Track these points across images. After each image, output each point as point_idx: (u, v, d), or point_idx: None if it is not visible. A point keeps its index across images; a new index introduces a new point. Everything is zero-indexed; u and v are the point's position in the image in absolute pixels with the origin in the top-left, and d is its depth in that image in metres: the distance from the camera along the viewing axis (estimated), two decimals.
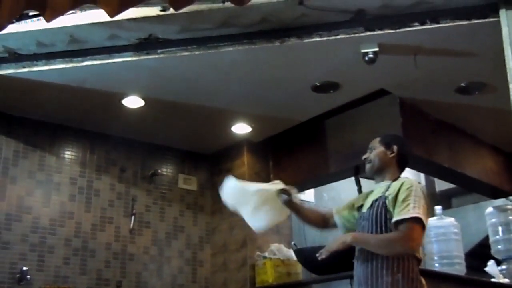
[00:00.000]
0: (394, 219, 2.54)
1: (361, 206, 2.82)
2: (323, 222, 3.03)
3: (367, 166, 2.85)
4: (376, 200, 2.69)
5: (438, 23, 3.33)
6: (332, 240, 2.66)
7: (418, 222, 2.50)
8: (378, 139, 2.89)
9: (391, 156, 2.80)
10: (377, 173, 2.82)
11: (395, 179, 2.74)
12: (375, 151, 2.83)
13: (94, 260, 4.68)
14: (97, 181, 4.91)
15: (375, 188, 2.80)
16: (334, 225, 2.99)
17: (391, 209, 2.59)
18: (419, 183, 2.82)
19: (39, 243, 4.46)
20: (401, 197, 2.56)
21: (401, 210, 2.53)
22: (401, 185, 2.62)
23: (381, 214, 2.62)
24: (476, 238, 5.73)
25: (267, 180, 5.29)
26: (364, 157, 2.87)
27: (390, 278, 2.51)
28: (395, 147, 2.81)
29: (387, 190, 2.67)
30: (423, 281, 2.63)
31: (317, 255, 2.65)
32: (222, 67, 3.90)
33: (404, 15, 3.34)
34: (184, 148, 5.47)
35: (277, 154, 5.33)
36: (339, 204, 3.08)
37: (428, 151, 4.57)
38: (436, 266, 4.86)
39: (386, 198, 2.63)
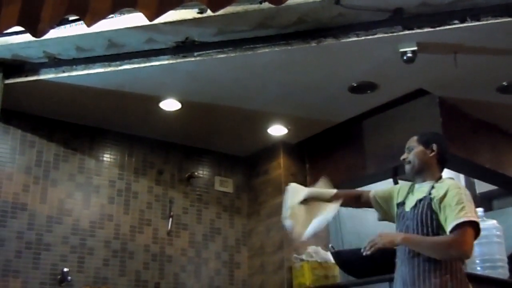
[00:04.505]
0: (453, 223, 2.44)
1: (402, 203, 2.75)
2: (355, 199, 2.96)
3: (407, 167, 2.77)
4: (420, 200, 2.62)
5: (479, 20, 3.26)
6: (377, 235, 2.57)
7: (472, 226, 2.44)
8: (415, 137, 2.80)
9: (431, 155, 2.72)
10: (418, 174, 2.74)
11: (437, 179, 2.68)
12: (414, 150, 2.75)
13: (133, 261, 4.73)
14: (135, 184, 4.97)
15: (416, 188, 2.73)
16: (366, 204, 2.93)
17: (437, 211, 2.53)
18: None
19: (79, 245, 4.53)
20: (453, 201, 2.49)
21: (457, 214, 2.45)
22: (448, 187, 2.56)
23: (427, 215, 2.57)
24: None
25: (303, 182, 5.28)
26: (402, 157, 2.79)
27: (439, 279, 2.45)
28: (434, 146, 2.73)
29: (431, 190, 2.61)
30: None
31: (362, 250, 2.58)
32: (258, 69, 3.90)
33: (444, 13, 3.28)
34: (220, 150, 5.49)
35: (313, 156, 5.29)
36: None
37: (469, 151, 4.47)
38: (478, 270, 4.73)
39: (431, 199, 2.57)
